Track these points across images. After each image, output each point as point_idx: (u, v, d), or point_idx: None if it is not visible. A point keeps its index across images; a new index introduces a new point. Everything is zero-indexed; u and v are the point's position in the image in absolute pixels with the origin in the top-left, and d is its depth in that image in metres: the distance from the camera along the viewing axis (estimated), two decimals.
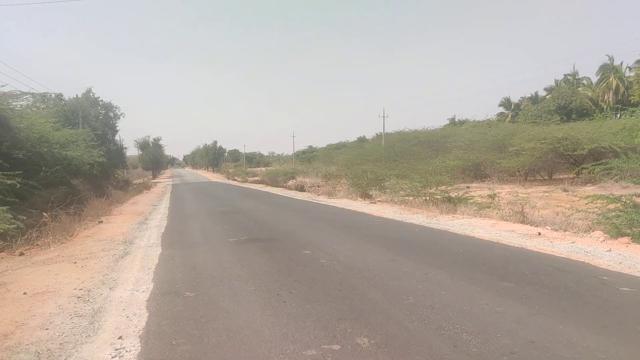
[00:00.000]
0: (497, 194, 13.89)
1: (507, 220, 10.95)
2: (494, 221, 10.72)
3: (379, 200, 17.35)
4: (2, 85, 14.83)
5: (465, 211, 12.75)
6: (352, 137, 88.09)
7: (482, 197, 14.81)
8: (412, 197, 15.69)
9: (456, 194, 15.12)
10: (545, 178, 27.06)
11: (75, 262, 7.37)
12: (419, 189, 15.59)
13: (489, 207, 12.89)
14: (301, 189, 27.57)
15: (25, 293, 5.50)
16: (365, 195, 19.12)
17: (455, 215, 12.06)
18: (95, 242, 9.59)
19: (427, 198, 15.13)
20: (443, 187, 15.29)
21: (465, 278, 5.64)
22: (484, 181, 25.70)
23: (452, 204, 14.00)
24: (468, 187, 19.78)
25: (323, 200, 19.04)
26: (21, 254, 9.02)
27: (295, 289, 5.29)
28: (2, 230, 10.54)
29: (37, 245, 10.31)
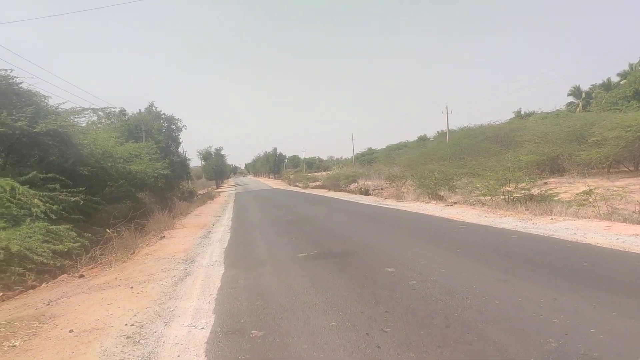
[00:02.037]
0: (593, 190, 12.05)
1: (610, 220, 9.26)
2: (608, 223, 9.02)
3: (454, 202, 15.83)
4: (63, 102, 14.83)
5: (562, 211, 11.05)
6: (412, 137, 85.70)
7: (568, 192, 13.04)
8: (489, 197, 14.14)
9: (538, 190, 13.48)
10: (631, 169, 24.26)
11: (132, 287, 6.64)
12: (496, 187, 14.05)
13: (584, 204, 11.17)
14: (365, 192, 26.39)
15: (71, 330, 4.75)
16: (437, 197, 17.66)
17: (553, 217, 10.42)
18: (155, 260, 8.93)
19: (506, 197, 13.56)
20: (522, 185, 13.70)
21: (613, 306, 4.25)
22: (563, 175, 23.43)
23: (536, 202, 12.34)
24: (545, 182, 17.93)
25: (392, 204, 17.73)
26: (81, 276, 8.52)
27: (389, 325, 4.14)
28: (66, 249, 10.24)
29: (100, 263, 9.90)
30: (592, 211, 10.71)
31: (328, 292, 5.49)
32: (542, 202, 12.26)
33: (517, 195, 13.46)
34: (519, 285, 5.13)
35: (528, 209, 11.83)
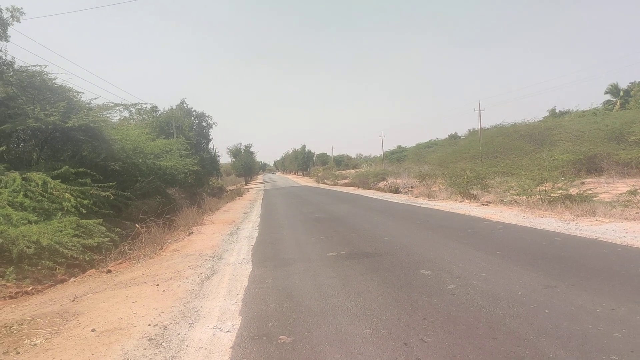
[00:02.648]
0: (638, 190, 11.37)
1: None
2: None
3: (488, 202, 15.23)
4: (95, 98, 14.94)
5: (606, 212, 10.41)
6: (442, 135, 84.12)
7: (607, 193, 12.31)
8: (525, 197, 13.54)
9: (576, 190, 12.83)
10: None
11: (158, 285, 6.48)
12: (532, 187, 13.44)
13: (628, 205, 10.54)
14: (395, 190, 25.92)
15: (93, 330, 4.58)
16: (470, 196, 17.07)
17: (598, 219, 9.80)
18: (183, 257, 8.79)
19: (542, 197, 12.93)
20: (559, 184, 13.06)
21: None
22: (600, 175, 22.42)
23: (576, 202, 11.71)
24: (582, 182, 17.13)
25: (424, 202, 17.24)
26: (109, 271, 8.45)
27: (429, 335, 3.79)
28: (96, 244, 10.25)
29: (129, 258, 9.85)
30: (636, 212, 10.08)
31: (360, 295, 5.16)
32: (582, 203, 11.65)
33: (554, 195, 12.86)
34: (570, 293, 4.69)
35: (568, 210, 11.22)
